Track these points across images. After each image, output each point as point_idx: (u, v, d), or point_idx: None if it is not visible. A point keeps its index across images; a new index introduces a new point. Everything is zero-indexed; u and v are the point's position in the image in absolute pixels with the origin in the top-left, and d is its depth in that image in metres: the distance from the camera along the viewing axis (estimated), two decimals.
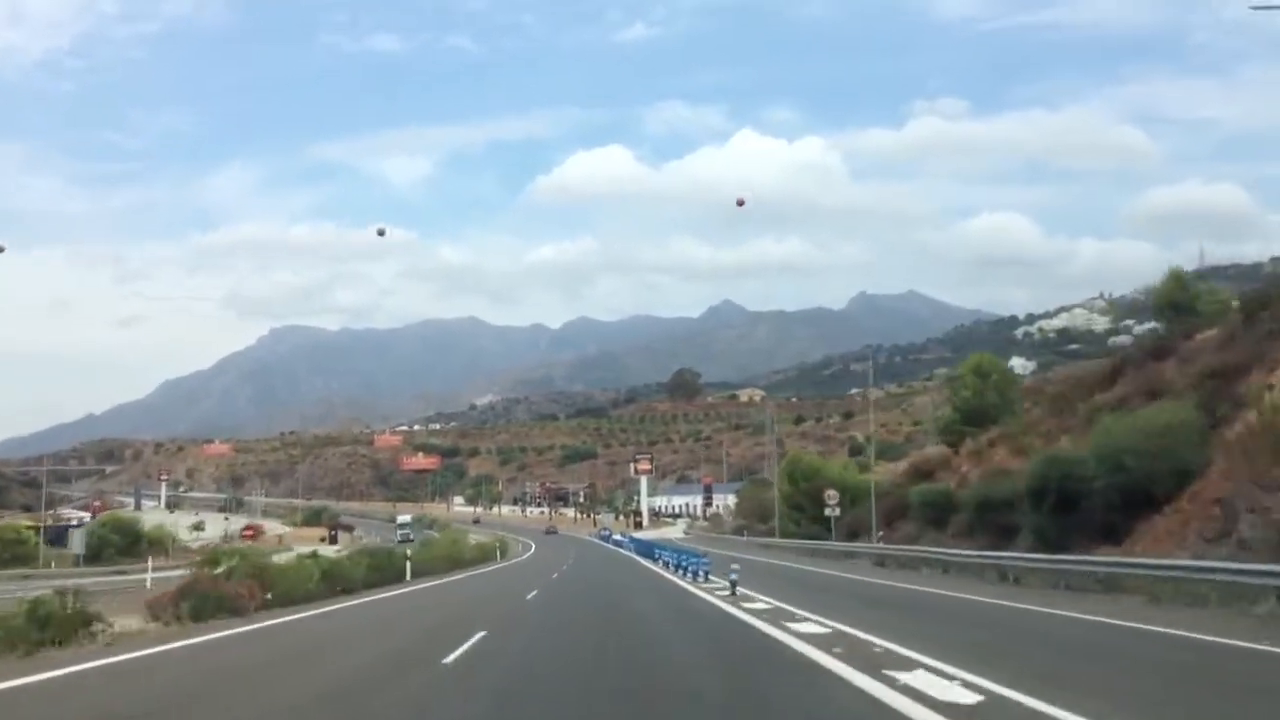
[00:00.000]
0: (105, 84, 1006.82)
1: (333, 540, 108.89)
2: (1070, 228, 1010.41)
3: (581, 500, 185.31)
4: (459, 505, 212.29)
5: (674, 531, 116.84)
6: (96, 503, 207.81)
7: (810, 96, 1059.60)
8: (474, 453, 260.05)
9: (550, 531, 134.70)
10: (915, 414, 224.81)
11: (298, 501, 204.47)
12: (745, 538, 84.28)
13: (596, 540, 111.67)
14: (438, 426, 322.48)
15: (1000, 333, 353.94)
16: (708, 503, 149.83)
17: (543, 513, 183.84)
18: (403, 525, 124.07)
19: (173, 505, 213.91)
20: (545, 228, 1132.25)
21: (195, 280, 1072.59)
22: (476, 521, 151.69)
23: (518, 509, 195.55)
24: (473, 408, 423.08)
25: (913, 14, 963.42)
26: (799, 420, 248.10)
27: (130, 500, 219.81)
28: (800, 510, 71.90)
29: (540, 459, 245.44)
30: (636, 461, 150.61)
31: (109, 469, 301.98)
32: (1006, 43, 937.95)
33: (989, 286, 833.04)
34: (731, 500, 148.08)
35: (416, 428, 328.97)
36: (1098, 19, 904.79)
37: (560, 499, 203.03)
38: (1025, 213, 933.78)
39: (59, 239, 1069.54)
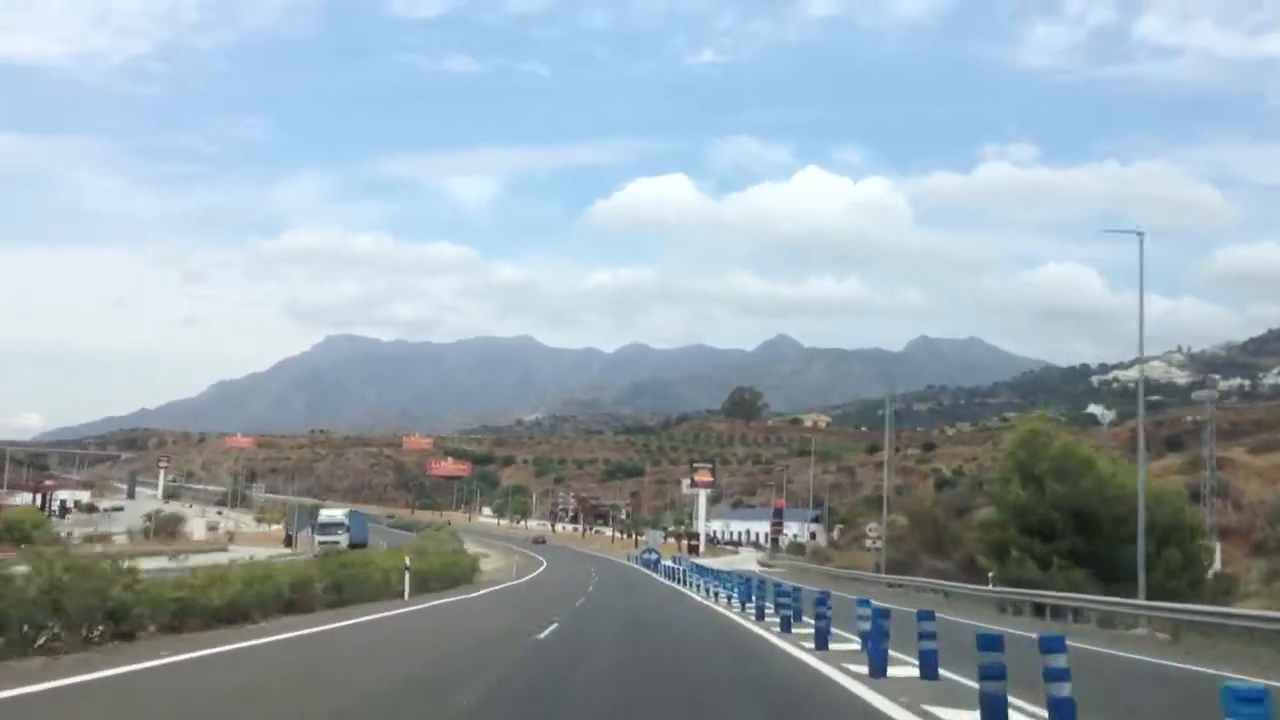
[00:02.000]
0: (185, 90, 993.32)
1: (288, 542, 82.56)
2: (1137, 283, 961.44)
3: (623, 517, 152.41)
4: (484, 517, 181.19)
5: (744, 561, 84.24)
6: (93, 487, 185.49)
7: (878, 137, 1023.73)
8: (509, 462, 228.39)
9: (539, 541, 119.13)
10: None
11: (305, 500, 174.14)
12: (891, 580, 51.32)
13: (636, 565, 79.82)
14: (476, 436, 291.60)
15: (1072, 382, 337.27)
16: (777, 529, 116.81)
17: (576, 529, 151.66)
18: (328, 526, 74.84)
19: (170, 495, 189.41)
20: (603, 253, 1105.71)
21: (256, 285, 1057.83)
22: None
23: (547, 524, 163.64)
24: (519, 423, 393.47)
25: (990, 60, 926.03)
26: (872, 449, 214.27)
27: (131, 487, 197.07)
28: (1046, 538, 38.22)
29: (580, 473, 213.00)
30: (695, 471, 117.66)
31: (125, 456, 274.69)
32: (1083, 96, 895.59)
33: (1051, 338, 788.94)
34: (806, 529, 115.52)
35: (453, 434, 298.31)
36: (1174, 78, 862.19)
37: (599, 516, 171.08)
38: (1092, 265, 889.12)
39: (127, 238, 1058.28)
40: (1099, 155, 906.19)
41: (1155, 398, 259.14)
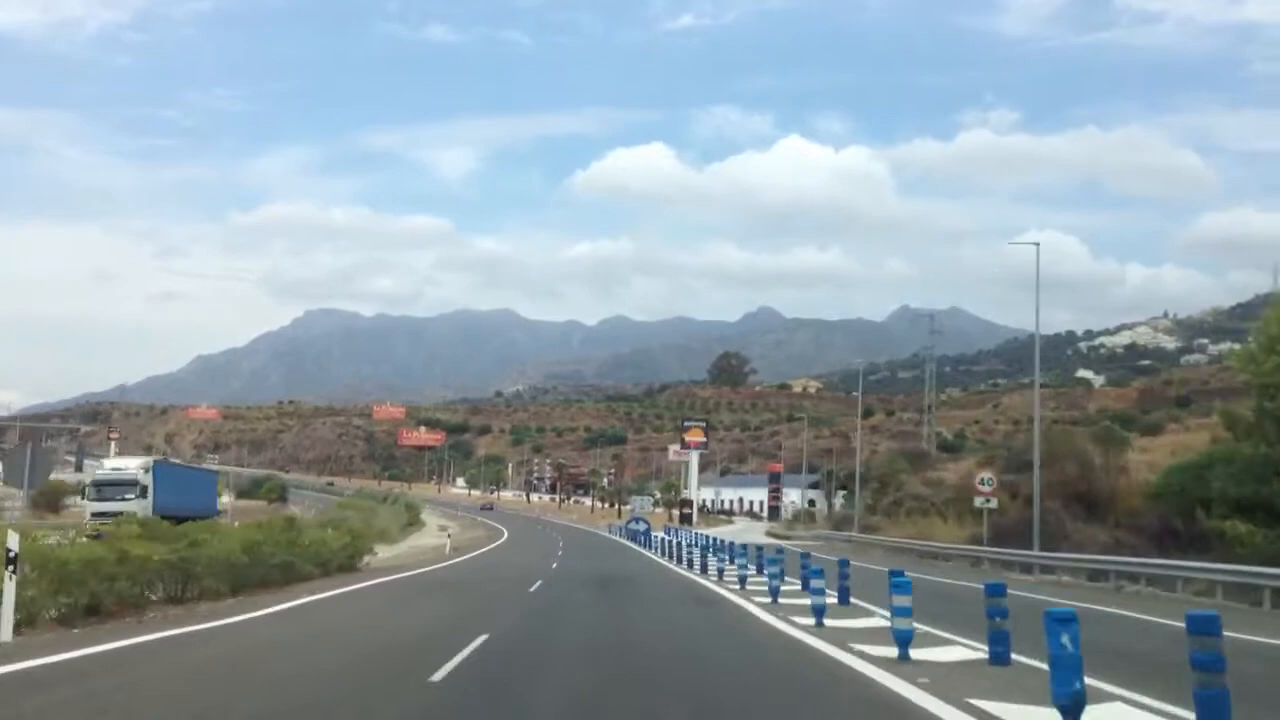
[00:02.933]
0: (160, 61, 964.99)
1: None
2: (1118, 252, 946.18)
3: (605, 486, 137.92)
4: (457, 488, 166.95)
5: (744, 532, 69.79)
6: None
7: (860, 105, 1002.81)
8: (485, 431, 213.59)
9: (486, 508, 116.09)
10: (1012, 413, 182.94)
11: (259, 472, 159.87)
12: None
13: (619, 537, 65.43)
14: (453, 406, 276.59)
15: (1058, 349, 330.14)
16: (775, 496, 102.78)
17: (554, 499, 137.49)
18: (109, 485, 48.11)
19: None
20: (584, 224, 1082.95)
21: (234, 258, 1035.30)
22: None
23: (521, 494, 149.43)
24: (498, 394, 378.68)
25: (971, 28, 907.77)
26: (868, 414, 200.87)
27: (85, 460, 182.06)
28: None
29: (560, 441, 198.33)
30: (685, 431, 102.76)
31: (84, 429, 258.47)
32: (1064, 62, 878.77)
33: (1033, 306, 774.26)
34: (804, 495, 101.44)
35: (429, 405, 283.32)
36: (1155, 44, 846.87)
37: (579, 486, 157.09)
38: (1073, 233, 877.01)
39: (104, 212, 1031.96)
40: (1080, 121, 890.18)
41: (1146, 362, 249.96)
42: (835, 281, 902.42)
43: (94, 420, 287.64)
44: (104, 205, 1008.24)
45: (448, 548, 40.25)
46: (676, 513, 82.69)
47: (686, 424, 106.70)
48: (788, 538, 60.95)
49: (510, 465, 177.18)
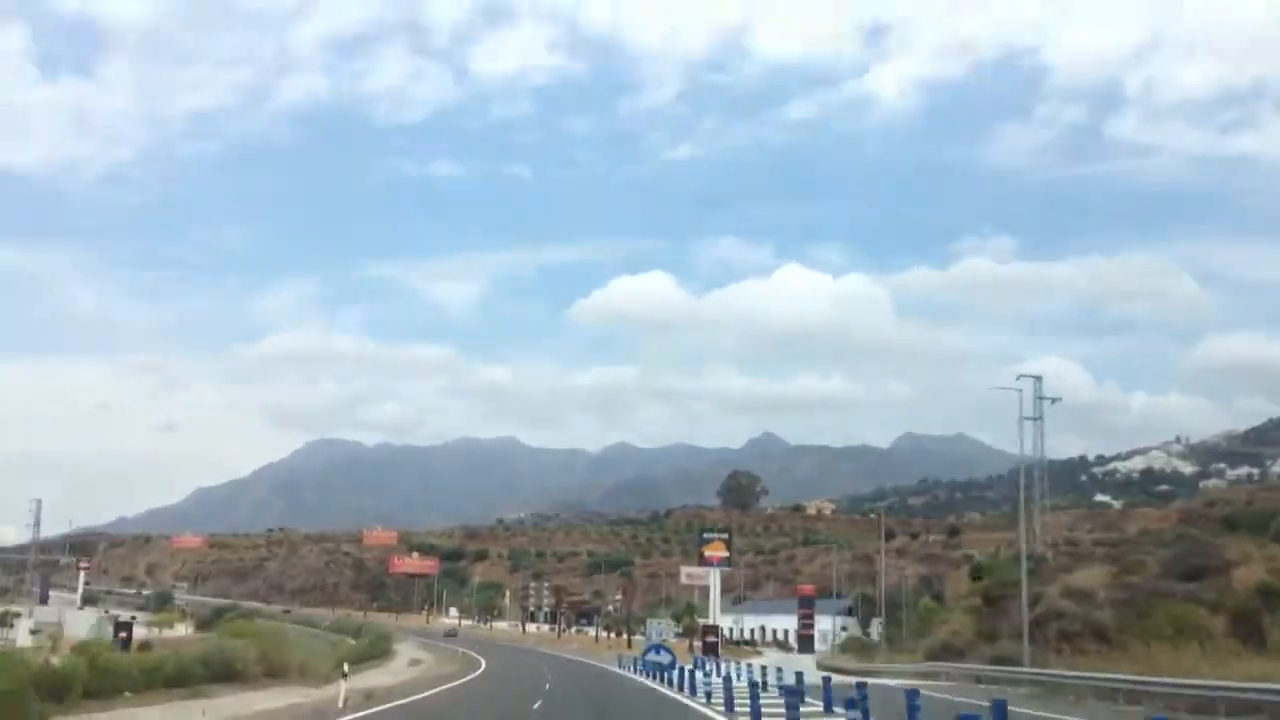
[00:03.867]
0: (166, 198, 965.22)
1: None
2: (1122, 378, 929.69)
3: (613, 611, 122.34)
4: (449, 618, 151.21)
5: (783, 663, 54.71)
6: (7, 592, 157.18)
7: (856, 234, 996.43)
8: (481, 556, 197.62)
9: (450, 635, 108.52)
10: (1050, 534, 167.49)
11: (222, 601, 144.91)
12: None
13: (637, 675, 49.83)
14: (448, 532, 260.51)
15: (1072, 474, 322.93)
16: (807, 625, 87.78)
17: (565, 630, 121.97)
18: None
19: (89, 600, 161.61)
20: (586, 352, 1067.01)
21: (236, 390, 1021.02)
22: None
23: (517, 625, 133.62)
24: (499, 522, 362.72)
25: (964, 161, 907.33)
26: (890, 536, 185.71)
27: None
28: None
29: (561, 567, 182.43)
30: (703, 545, 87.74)
31: (63, 560, 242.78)
32: (1058, 193, 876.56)
33: (1036, 432, 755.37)
34: (836, 622, 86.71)
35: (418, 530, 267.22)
36: (1149, 175, 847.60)
37: (582, 615, 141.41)
38: (1076, 360, 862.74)
39: (107, 346, 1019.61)
40: (1079, 250, 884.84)
41: (1163, 487, 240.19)
42: (838, 407, 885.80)
43: (79, 552, 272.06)
44: (108, 339, 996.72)
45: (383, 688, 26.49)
46: (699, 642, 67.81)
47: (705, 536, 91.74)
48: (858, 671, 46.09)
49: (508, 593, 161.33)
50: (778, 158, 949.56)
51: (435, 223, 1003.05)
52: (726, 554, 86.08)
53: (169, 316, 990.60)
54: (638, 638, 77.07)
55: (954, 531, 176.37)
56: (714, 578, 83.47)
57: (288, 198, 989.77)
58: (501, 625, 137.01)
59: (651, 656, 46.83)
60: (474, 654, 66.39)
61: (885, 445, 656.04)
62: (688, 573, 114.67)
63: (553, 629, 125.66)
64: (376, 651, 61.10)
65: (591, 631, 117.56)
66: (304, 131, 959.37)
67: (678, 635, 75.81)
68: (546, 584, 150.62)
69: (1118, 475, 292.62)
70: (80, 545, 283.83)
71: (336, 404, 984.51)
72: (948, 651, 47.34)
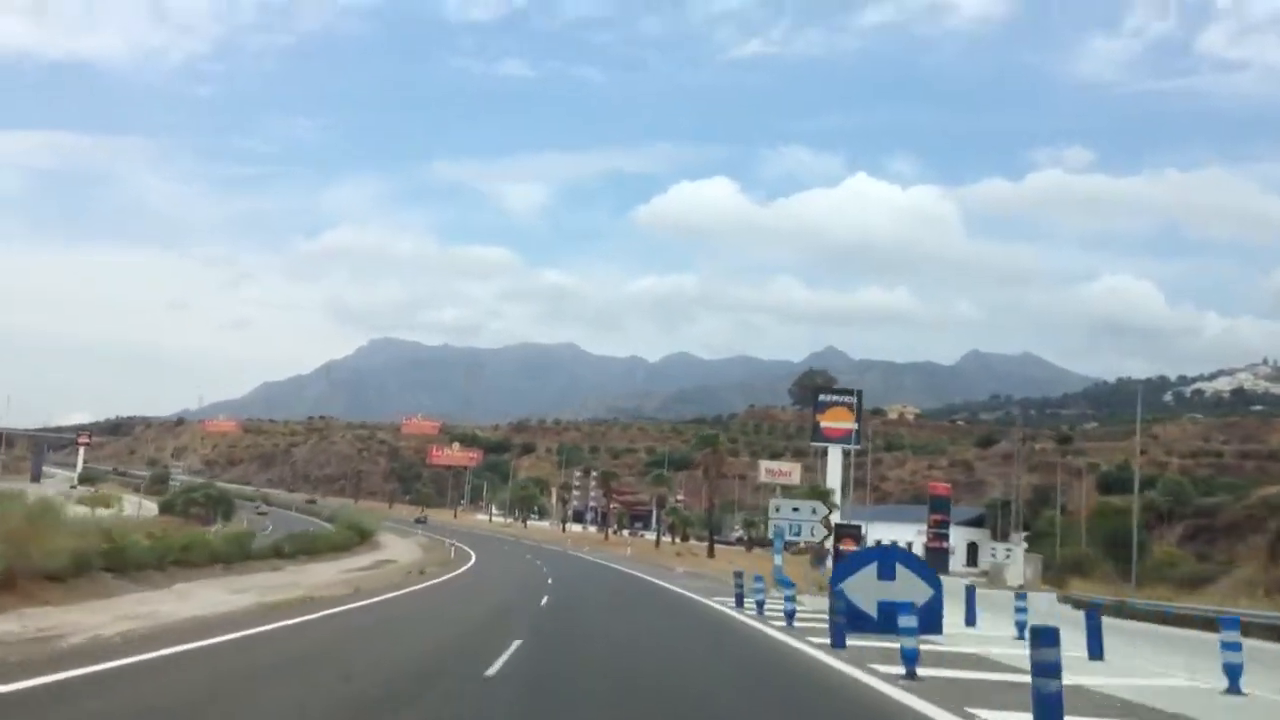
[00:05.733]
0: (239, 90, 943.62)
1: None
2: (1196, 299, 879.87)
3: (680, 508, 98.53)
4: (494, 515, 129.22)
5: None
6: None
7: (929, 144, 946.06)
8: (528, 450, 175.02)
9: (420, 521, 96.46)
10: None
11: (231, 486, 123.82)
12: None
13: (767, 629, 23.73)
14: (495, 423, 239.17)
15: (1154, 394, 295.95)
16: (938, 537, 62.44)
17: (616, 532, 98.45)
18: None
19: (87, 479, 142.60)
20: (648, 259, 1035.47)
21: (302, 287, 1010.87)
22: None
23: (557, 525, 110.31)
24: (556, 422, 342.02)
25: (1046, 71, 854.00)
26: (987, 443, 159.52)
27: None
28: None
29: (616, 463, 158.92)
30: (819, 412, 61.26)
31: (94, 439, 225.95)
32: (1141, 108, 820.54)
33: (1105, 353, 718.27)
34: (967, 536, 61.33)
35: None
36: (1237, 92, 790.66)
37: (636, 518, 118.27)
38: (1148, 279, 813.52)
39: (180, 239, 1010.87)
40: (1157, 165, 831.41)
41: (1258, 408, 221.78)
42: (902, 322, 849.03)
43: (115, 433, 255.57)
44: (181, 233, 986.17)
45: None
46: (819, 553, 42.74)
47: (822, 400, 64.62)
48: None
49: (554, 490, 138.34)
50: (848, 60, 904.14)
51: (502, 124, 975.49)
52: (853, 425, 59.17)
53: (238, 210, 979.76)
54: (722, 547, 51.82)
55: (1064, 439, 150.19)
56: (833, 457, 57.18)
57: (356, 93, 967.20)
58: (541, 525, 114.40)
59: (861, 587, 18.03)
60: (464, 546, 42.53)
61: (950, 363, 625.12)
62: (767, 467, 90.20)
63: (600, 530, 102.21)
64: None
65: (648, 535, 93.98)
66: (372, 26, 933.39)
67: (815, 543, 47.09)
68: (595, 477, 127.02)
69: (1206, 395, 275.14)
70: (116, 427, 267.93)
71: (398, 304, 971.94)
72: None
